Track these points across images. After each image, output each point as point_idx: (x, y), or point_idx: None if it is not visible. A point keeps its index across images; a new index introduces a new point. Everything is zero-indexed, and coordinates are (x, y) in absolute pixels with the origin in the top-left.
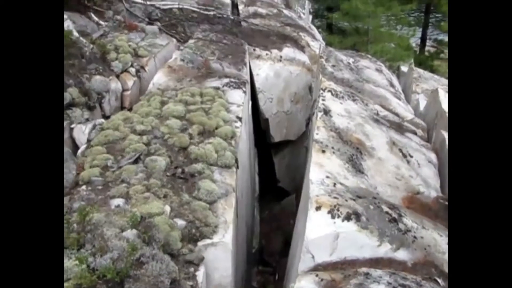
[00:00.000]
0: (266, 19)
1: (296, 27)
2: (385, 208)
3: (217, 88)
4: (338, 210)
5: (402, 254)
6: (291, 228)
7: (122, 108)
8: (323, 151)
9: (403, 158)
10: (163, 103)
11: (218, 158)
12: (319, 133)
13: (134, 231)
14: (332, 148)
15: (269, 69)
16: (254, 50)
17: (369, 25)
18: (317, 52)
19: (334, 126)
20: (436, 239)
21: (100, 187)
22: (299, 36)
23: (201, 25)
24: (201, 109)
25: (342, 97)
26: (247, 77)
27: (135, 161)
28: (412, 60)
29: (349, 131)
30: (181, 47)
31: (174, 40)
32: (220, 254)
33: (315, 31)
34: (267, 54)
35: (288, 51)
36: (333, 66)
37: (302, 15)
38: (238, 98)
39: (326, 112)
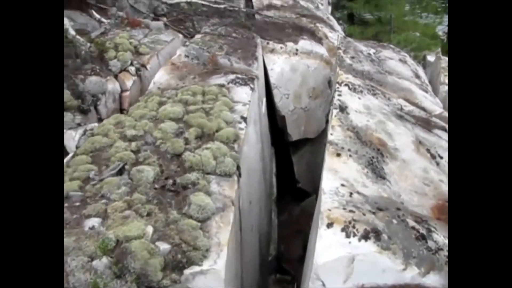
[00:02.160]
0: (281, 10)
1: (313, 18)
2: (411, 222)
3: (222, 86)
4: (354, 227)
5: (432, 279)
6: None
7: (121, 110)
8: (338, 154)
9: (432, 159)
10: (161, 103)
11: (216, 165)
12: (334, 133)
13: (105, 259)
14: (349, 150)
15: (285, 63)
16: (268, 43)
17: (392, 14)
18: (335, 44)
19: (351, 124)
20: None
21: (77, 204)
22: (316, 27)
23: (211, 19)
24: (201, 110)
25: (361, 92)
26: (258, 72)
27: (120, 172)
28: (439, 49)
29: (368, 130)
30: (187, 43)
31: (180, 36)
32: (211, 283)
33: (333, 21)
34: (282, 48)
35: (305, 43)
36: (352, 57)
37: (320, 5)
38: (245, 96)
39: (342, 109)
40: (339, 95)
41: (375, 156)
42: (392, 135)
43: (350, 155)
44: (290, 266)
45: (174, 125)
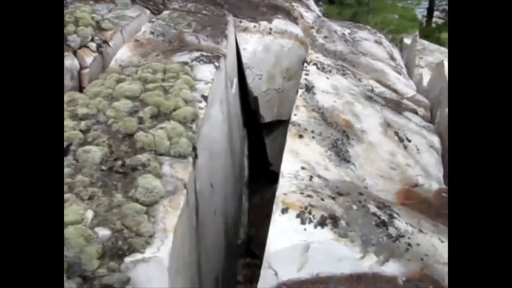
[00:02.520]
0: None
1: None
2: (373, 208)
3: (185, 63)
4: (310, 213)
5: (392, 268)
6: None
7: (80, 89)
8: (301, 136)
9: (400, 142)
10: (119, 81)
11: (170, 146)
12: (298, 113)
13: None
14: (312, 132)
15: (258, 43)
16: (241, 22)
17: None
18: (310, 24)
19: (317, 105)
20: (436, 246)
21: None
22: (291, 6)
23: None
24: (160, 88)
25: (330, 71)
26: (227, 51)
27: (65, 153)
28: (417, 32)
29: (335, 111)
30: (153, 19)
31: (148, 11)
32: (153, 272)
33: (310, 1)
34: (255, 27)
35: (279, 23)
36: (325, 37)
37: None
38: (208, 74)
39: (309, 88)
40: (307, 74)
41: (340, 138)
42: (359, 117)
43: (313, 137)
44: (260, 250)
45: (129, 104)
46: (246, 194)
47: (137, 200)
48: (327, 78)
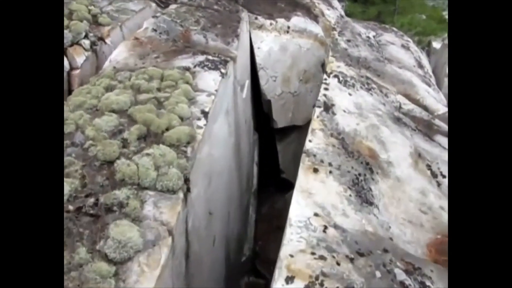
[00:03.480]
0: None
1: None
2: (400, 274)
3: (186, 69)
4: (322, 285)
5: None
6: None
7: (70, 92)
8: (316, 170)
9: (432, 178)
10: (108, 88)
11: (157, 178)
12: (314, 140)
13: None
14: (330, 165)
15: (273, 42)
16: (256, 18)
17: None
18: (332, 23)
19: (336, 129)
20: None
21: None
22: (312, 3)
23: None
24: (153, 100)
25: (353, 86)
26: (237, 52)
27: None
28: (447, 35)
29: (357, 137)
30: (158, 14)
31: (153, 5)
32: None
33: None
34: (271, 24)
35: (298, 20)
36: (348, 41)
37: None
38: (211, 84)
39: (328, 107)
40: (326, 88)
41: (362, 172)
42: (386, 144)
43: (331, 171)
44: (266, 268)
45: (113, 121)
46: (254, 205)
47: (105, 256)
48: (350, 94)
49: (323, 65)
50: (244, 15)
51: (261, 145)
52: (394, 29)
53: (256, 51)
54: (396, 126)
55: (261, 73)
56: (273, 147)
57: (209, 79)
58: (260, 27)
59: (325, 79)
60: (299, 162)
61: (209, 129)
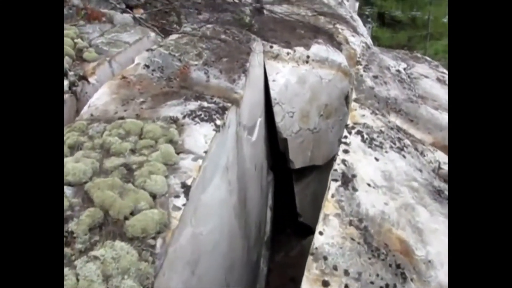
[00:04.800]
0: (295, 6)
1: (333, 17)
2: None
3: (173, 120)
4: None
5: None
6: None
7: None
8: (326, 284)
9: None
10: (75, 147)
11: None
12: (326, 230)
13: None
14: (347, 273)
15: (291, 74)
16: (271, 47)
17: (430, 15)
18: (357, 51)
19: (357, 213)
20: None
21: None
22: (335, 29)
23: (204, 13)
24: (122, 168)
25: (381, 146)
26: (244, 92)
27: None
28: None
29: (385, 224)
30: (154, 47)
31: (153, 35)
32: None
33: (358, 22)
34: (288, 54)
35: (319, 49)
36: (375, 77)
37: (345, 1)
38: (201, 142)
39: (347, 180)
40: (346, 151)
41: (391, 283)
42: (423, 234)
43: (347, 285)
44: None
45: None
46: (266, 256)
47: None
48: (377, 159)
49: (346, 98)
50: (257, 45)
51: (277, 185)
52: (427, 58)
53: (270, 84)
54: (437, 204)
55: (276, 109)
56: (290, 187)
57: (199, 136)
58: (276, 57)
59: (345, 137)
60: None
61: (193, 205)
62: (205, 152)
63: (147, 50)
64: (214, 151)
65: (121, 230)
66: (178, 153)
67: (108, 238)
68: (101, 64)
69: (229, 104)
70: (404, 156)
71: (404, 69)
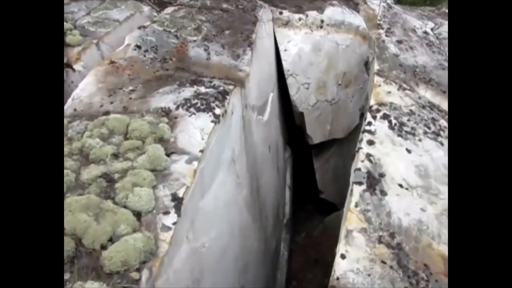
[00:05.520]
0: None
1: None
2: None
3: (165, 113)
4: None
5: None
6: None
7: None
8: None
9: None
10: None
11: None
12: (350, 252)
13: None
14: None
15: (304, 41)
16: (281, 13)
17: None
18: (377, 11)
19: (388, 225)
20: None
21: None
22: None
23: None
24: (101, 181)
25: (413, 133)
26: (252, 67)
27: None
28: None
29: (423, 237)
30: (147, 23)
31: (146, 9)
32: None
33: None
34: (300, 19)
35: (334, 11)
36: (399, 42)
37: None
38: (197, 139)
39: (374, 182)
40: (370, 142)
41: None
42: None
43: None
44: None
45: None
46: (287, 239)
47: None
48: (409, 151)
49: (366, 64)
50: (264, 12)
51: (295, 161)
52: None
53: (282, 54)
54: None
55: (290, 81)
56: (309, 162)
57: (194, 130)
58: (286, 24)
59: (369, 123)
60: (341, 180)
61: (189, 219)
62: (202, 151)
63: (139, 28)
64: (213, 147)
65: (97, 264)
66: (169, 155)
67: (80, 277)
68: (88, 48)
69: (231, 87)
70: (441, 143)
71: (432, 29)
